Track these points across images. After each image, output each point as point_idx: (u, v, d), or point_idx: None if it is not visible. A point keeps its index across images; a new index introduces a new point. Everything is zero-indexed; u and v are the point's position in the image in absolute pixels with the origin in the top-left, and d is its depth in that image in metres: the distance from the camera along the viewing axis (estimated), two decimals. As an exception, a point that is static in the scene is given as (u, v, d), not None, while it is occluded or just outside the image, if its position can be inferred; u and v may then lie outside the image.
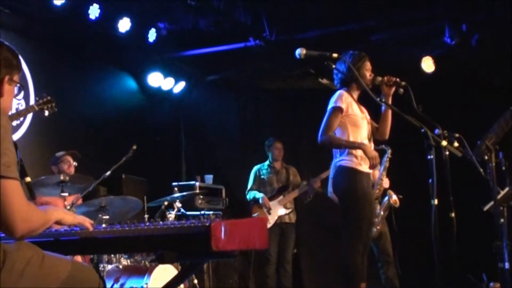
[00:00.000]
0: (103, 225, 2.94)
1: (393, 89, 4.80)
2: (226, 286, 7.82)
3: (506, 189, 5.04)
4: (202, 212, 7.55)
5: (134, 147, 5.83)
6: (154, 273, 5.38)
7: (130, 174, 7.70)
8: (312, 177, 7.53)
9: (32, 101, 6.76)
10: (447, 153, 3.85)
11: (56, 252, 2.64)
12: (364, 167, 4.85)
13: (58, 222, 2.65)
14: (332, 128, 4.81)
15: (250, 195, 7.75)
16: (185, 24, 7.83)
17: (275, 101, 9.53)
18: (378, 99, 4.70)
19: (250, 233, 2.57)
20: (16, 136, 6.66)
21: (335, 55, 4.48)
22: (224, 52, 8.30)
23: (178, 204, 6.50)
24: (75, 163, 6.21)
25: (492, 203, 4.85)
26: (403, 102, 4.32)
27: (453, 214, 3.73)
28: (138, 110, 9.11)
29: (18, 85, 2.69)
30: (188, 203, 7.30)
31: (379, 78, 4.87)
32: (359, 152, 4.82)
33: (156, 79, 8.93)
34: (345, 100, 4.85)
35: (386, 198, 6.51)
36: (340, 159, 4.88)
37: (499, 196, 4.82)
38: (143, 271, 5.44)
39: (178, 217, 6.40)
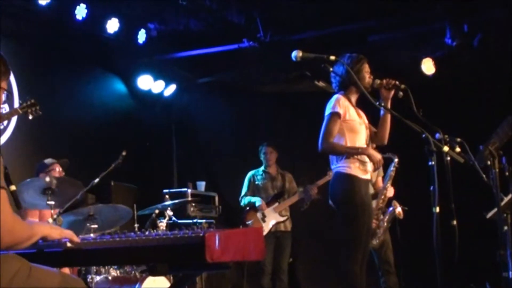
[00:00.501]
0: (92, 235, 2.94)
1: (392, 92, 4.81)
2: (219, 297, 7.83)
3: (510, 195, 5.04)
4: (194, 220, 7.54)
5: (124, 153, 5.82)
6: (145, 284, 5.38)
7: (119, 181, 7.69)
8: (309, 183, 7.53)
9: (16, 105, 6.74)
10: (449, 158, 3.86)
11: (41, 264, 2.64)
12: (363, 174, 4.86)
13: (44, 238, 2.65)
14: (333, 134, 4.81)
15: (245, 201, 7.75)
16: (176, 25, 7.85)
17: (270, 104, 9.53)
18: (378, 103, 4.71)
19: (245, 244, 2.57)
20: (-1, 142, 6.65)
21: (332, 57, 4.49)
22: (217, 54, 8.31)
23: (169, 212, 6.49)
24: (63, 173, 6.20)
25: (495, 210, 4.86)
26: (403, 105, 4.33)
27: (455, 222, 3.73)
28: (127, 114, 9.10)
29: (5, 92, 2.69)
30: (179, 211, 7.29)
31: (378, 81, 4.87)
32: (358, 158, 4.83)
33: (146, 82, 8.92)
34: (342, 105, 4.86)
35: (391, 209, 6.45)
36: (337, 166, 4.89)
37: (502, 203, 4.82)
38: (133, 282, 5.44)
39: (169, 226, 6.39)
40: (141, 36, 7.86)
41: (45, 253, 2.76)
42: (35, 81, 7.35)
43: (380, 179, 6.55)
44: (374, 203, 6.35)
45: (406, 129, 4.03)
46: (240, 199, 7.84)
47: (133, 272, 5.78)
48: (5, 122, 6.76)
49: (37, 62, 7.55)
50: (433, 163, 3.77)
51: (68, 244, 2.72)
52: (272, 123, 9.54)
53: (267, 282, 7.66)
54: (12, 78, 7.00)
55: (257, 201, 7.61)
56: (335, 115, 4.83)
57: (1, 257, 2.44)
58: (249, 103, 9.66)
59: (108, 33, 7.54)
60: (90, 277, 5.48)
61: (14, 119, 6.93)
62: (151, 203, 6.51)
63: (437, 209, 3.70)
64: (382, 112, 5.01)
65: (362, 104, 5.02)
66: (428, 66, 7.70)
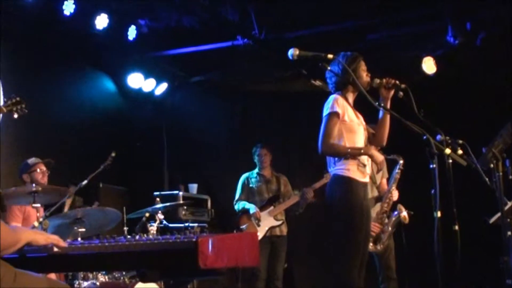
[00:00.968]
0: (80, 240, 2.93)
1: (392, 92, 4.81)
2: (212, 304, 7.81)
3: (514, 200, 5.06)
4: (186, 224, 7.53)
5: (113, 154, 5.81)
6: (134, 290, 5.36)
7: (108, 183, 7.68)
8: (305, 186, 7.52)
9: (1, 103, 6.72)
10: (451, 161, 3.86)
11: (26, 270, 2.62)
12: (362, 177, 4.86)
13: (29, 244, 2.63)
14: (332, 135, 4.80)
15: (238, 206, 7.73)
16: (168, 21, 7.83)
17: (264, 104, 9.53)
18: (377, 103, 4.71)
19: (240, 249, 2.56)
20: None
21: (330, 56, 4.49)
22: (210, 52, 8.30)
23: (160, 216, 6.47)
24: (48, 172, 6.18)
25: (498, 215, 4.87)
26: (403, 106, 4.33)
27: (457, 227, 3.74)
28: (117, 113, 9.08)
29: None
30: (171, 214, 7.28)
31: (377, 80, 4.86)
32: (358, 160, 4.83)
33: (136, 80, 8.91)
34: (341, 105, 4.85)
35: (395, 213, 6.42)
36: (335, 168, 4.88)
37: (506, 208, 4.83)
38: (122, 289, 5.42)
39: (160, 230, 6.38)
40: (132, 33, 7.84)
41: (29, 258, 2.74)
42: (21, 79, 7.32)
43: (384, 181, 6.55)
44: (378, 206, 6.36)
45: (406, 131, 4.04)
46: (234, 203, 7.82)
47: (122, 278, 5.76)
48: (-11, 121, 6.73)
49: (22, 59, 7.52)
50: (434, 166, 3.77)
51: (55, 249, 2.71)
52: (267, 123, 9.54)
53: (262, 289, 7.65)
54: (-4, 75, 6.99)
55: (251, 208, 7.57)
56: (334, 115, 4.82)
57: (-15, 263, 2.43)
58: (243, 103, 9.66)
59: (97, 29, 7.51)
60: (77, 282, 5.46)
61: (-2, 118, 6.90)
62: (141, 206, 6.50)
63: (439, 214, 3.71)
64: (381, 112, 5.00)
65: (359, 105, 5.02)
66: (429, 65, 7.71)
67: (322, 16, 7.61)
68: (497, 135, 4.70)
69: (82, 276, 5.57)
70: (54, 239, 2.74)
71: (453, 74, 7.99)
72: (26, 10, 6.90)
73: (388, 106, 4.86)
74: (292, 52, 4.41)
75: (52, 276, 4.91)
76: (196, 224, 7.56)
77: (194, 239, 2.41)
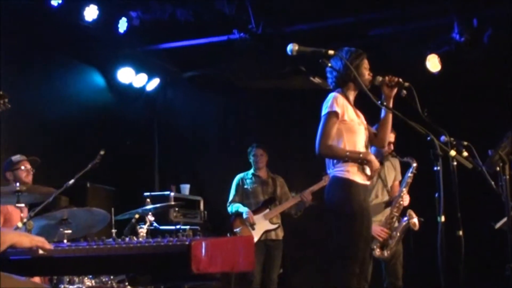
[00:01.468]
0: (66, 242, 2.92)
1: (395, 90, 4.80)
2: (203, 310, 7.80)
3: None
4: (178, 226, 7.51)
5: (102, 152, 5.79)
6: (123, 295, 5.36)
7: (96, 182, 7.66)
8: (303, 188, 7.52)
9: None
10: (455, 163, 3.86)
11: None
12: (362, 179, 4.85)
13: (13, 247, 2.62)
14: (331, 136, 4.79)
15: (232, 208, 7.72)
16: (161, 14, 7.82)
17: (260, 101, 9.53)
18: (379, 102, 4.70)
19: (234, 253, 2.56)
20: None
21: (331, 51, 4.48)
22: (205, 46, 8.30)
23: (150, 217, 6.44)
24: (33, 170, 6.16)
25: (505, 219, 4.87)
26: (406, 105, 4.33)
27: (461, 232, 3.74)
28: (106, 110, 9.07)
29: None
30: (161, 216, 7.28)
31: (380, 78, 4.86)
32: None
33: (127, 75, 8.90)
34: (340, 104, 4.84)
35: (405, 219, 6.40)
36: (334, 170, 4.88)
37: (512, 213, 4.84)
38: (110, 294, 5.41)
39: (150, 232, 6.36)
40: (122, 25, 7.83)
41: (12, 261, 2.73)
42: (4, 72, 7.29)
43: (397, 183, 6.55)
44: (388, 211, 6.36)
45: (409, 131, 4.03)
46: (227, 205, 7.81)
47: (109, 282, 5.75)
48: (-29, 117, 6.72)
49: (7, 52, 7.49)
50: (438, 168, 3.77)
51: (40, 252, 2.70)
52: (263, 122, 9.53)
53: (256, 294, 7.65)
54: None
55: (244, 212, 7.55)
56: (332, 114, 4.81)
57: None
58: (238, 100, 9.65)
59: (86, 21, 7.50)
60: (62, 287, 5.44)
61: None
62: (130, 207, 6.47)
63: (443, 218, 3.71)
64: (383, 112, 5.00)
65: (360, 104, 5.02)
66: (433, 63, 7.72)
67: (322, 10, 7.60)
68: (504, 136, 4.70)
69: (67, 280, 5.55)
70: (39, 241, 2.73)
71: (458, 73, 7.99)
72: (11, 0, 6.87)
73: (391, 105, 4.86)
74: (291, 48, 4.41)
75: (37, 279, 4.90)
76: (188, 227, 7.54)
77: (187, 243, 2.41)
